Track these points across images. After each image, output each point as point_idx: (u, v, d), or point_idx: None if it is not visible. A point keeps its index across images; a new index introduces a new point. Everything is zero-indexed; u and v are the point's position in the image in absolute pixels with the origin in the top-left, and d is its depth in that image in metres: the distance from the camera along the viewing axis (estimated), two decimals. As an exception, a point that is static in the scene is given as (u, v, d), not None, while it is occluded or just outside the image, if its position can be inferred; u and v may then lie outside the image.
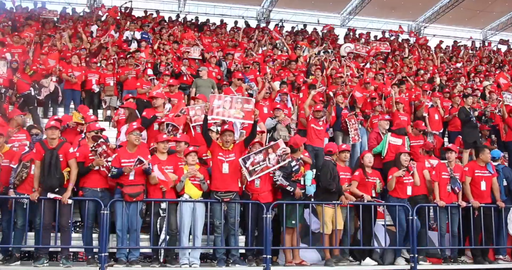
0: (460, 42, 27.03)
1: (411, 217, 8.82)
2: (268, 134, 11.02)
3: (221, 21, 25.18)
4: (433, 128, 13.43)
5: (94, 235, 8.24)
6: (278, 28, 23.73)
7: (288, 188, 8.30)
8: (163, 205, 8.13)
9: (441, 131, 13.99)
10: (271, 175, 8.37)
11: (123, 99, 12.44)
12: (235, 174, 8.28)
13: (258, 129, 9.02)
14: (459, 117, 13.03)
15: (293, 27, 25.95)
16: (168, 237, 8.06)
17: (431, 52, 23.44)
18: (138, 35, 18.15)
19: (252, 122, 8.30)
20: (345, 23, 30.71)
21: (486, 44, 28.34)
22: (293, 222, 8.40)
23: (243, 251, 8.66)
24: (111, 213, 7.98)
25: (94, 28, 18.81)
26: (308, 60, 17.54)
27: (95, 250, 7.97)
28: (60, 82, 13.94)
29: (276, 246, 8.51)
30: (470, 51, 24.99)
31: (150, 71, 14.18)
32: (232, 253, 8.27)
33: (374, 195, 9.04)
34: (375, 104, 13.25)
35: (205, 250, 8.75)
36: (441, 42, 25.83)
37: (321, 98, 12.92)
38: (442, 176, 9.44)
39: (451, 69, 19.96)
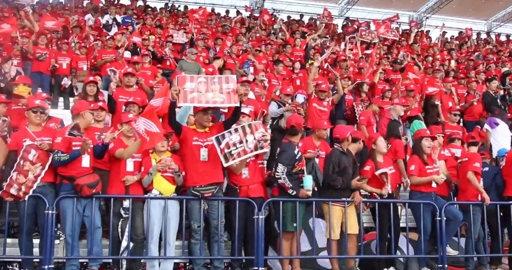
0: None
1: (438, 218, 7.06)
2: (272, 122, 9.56)
3: (212, 9, 24.18)
4: (447, 117, 11.78)
5: (35, 241, 6.56)
6: (273, 18, 22.82)
7: (290, 191, 6.57)
8: (126, 204, 6.43)
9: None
10: (276, 171, 6.61)
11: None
12: (217, 161, 6.52)
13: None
14: (485, 101, 11.63)
15: (289, 17, 24.70)
16: (132, 244, 6.36)
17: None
18: (119, 19, 16.84)
19: (237, 105, 6.58)
20: (343, 14, 29.16)
21: (493, 36, 26.88)
22: (294, 224, 6.63)
23: (228, 261, 7.10)
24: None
25: (87, 16, 17.17)
26: (306, 44, 15.94)
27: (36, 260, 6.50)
28: (26, 66, 12.17)
29: (270, 256, 7.03)
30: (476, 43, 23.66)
31: (127, 54, 12.44)
32: (215, 265, 6.53)
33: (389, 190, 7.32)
34: (384, 90, 12.09)
35: (180, 260, 7.08)
36: (444, 33, 24.36)
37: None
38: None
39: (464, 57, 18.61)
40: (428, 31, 25.15)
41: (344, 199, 6.82)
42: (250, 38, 17.68)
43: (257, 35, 18.36)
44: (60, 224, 6.46)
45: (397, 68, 14.23)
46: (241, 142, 6.44)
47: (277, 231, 6.76)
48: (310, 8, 28.06)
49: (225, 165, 6.43)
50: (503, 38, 26.60)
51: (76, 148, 6.13)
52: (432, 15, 30.04)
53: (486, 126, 9.96)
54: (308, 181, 6.64)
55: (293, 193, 6.53)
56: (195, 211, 6.45)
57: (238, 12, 23.96)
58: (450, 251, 7.24)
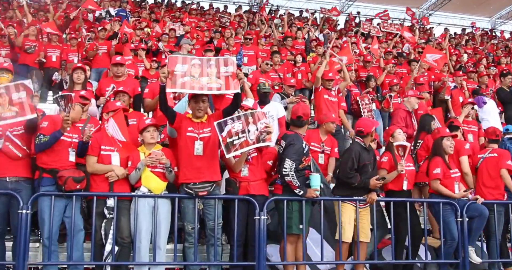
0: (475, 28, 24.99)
1: (460, 219, 6.35)
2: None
3: (210, 5, 23.84)
4: (457, 113, 11.11)
5: (7, 244, 5.87)
6: (272, 14, 22.27)
7: (297, 191, 5.80)
8: (110, 202, 5.68)
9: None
10: (284, 167, 5.78)
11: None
12: (214, 157, 5.79)
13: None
14: (500, 96, 11.01)
15: (289, 12, 23.73)
16: (117, 248, 5.61)
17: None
18: (113, 11, 16.23)
19: (238, 91, 5.77)
20: (345, 10, 28.41)
21: (498, 33, 26.23)
22: (300, 226, 5.88)
23: (227, 266, 6.26)
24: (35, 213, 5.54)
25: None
26: (307, 36, 15.30)
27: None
28: (14, 59, 11.43)
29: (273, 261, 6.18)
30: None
31: (115, 42, 11.75)
32: (211, 271, 5.75)
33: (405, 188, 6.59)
34: (393, 83, 11.47)
35: (172, 266, 6.21)
36: (446, 30, 23.71)
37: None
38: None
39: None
40: (431, 28, 24.58)
41: (355, 198, 6.09)
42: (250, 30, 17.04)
43: (257, 28, 17.70)
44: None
45: (402, 61, 13.57)
46: (243, 131, 5.69)
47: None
48: (311, 5, 27.19)
49: (227, 156, 5.68)
50: (507, 35, 25.95)
51: None
52: (435, 12, 29.33)
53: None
54: (316, 180, 5.92)
55: (300, 193, 5.78)
56: (188, 211, 5.71)
57: (239, 7, 23.23)
58: (474, 258, 6.47)
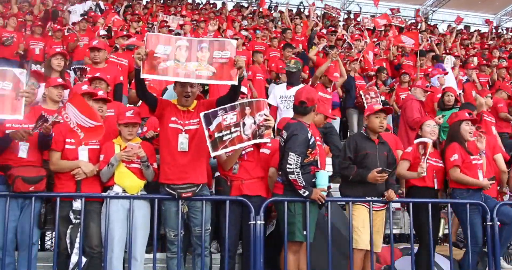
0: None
1: (490, 223, 5.42)
2: None
3: (207, 1, 22.50)
4: (472, 107, 10.29)
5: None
6: (272, 10, 21.49)
7: (301, 191, 4.81)
8: (77, 205, 4.73)
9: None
10: (288, 163, 4.77)
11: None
12: (201, 153, 4.82)
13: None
14: None
15: (289, 10, 22.96)
16: (85, 259, 4.68)
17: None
18: (103, 5, 15.44)
19: (235, 83, 4.68)
20: (346, 7, 27.54)
21: (504, 30, 25.43)
22: (304, 232, 4.91)
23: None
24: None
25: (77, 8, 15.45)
26: (309, 30, 14.45)
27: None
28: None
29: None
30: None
31: (103, 32, 10.83)
32: (198, 287, 4.81)
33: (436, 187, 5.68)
34: (401, 72, 10.75)
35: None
36: (450, 27, 22.93)
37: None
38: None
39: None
40: (435, 25, 23.80)
41: (369, 198, 5.16)
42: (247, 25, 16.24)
43: (254, 23, 16.88)
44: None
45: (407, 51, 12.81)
46: (237, 125, 4.74)
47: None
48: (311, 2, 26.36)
49: (212, 154, 4.74)
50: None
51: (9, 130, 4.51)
52: (439, 9, 28.48)
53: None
54: (324, 178, 4.97)
55: (305, 194, 4.81)
56: (170, 215, 4.76)
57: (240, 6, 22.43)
58: (506, 267, 5.55)
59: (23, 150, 4.64)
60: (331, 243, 4.99)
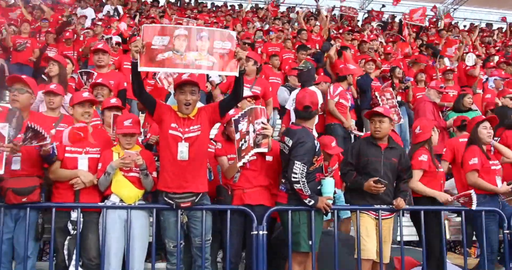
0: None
1: (506, 231, 5.16)
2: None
3: (224, 3, 22.82)
4: (490, 106, 9.96)
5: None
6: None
7: (307, 200, 4.63)
8: (74, 215, 4.58)
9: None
10: (293, 172, 4.57)
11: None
12: (202, 162, 4.66)
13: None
14: None
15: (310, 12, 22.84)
16: (82, 271, 4.53)
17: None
18: (121, 9, 15.48)
19: (236, 74, 4.56)
20: (365, 6, 27.20)
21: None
22: (310, 243, 4.71)
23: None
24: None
25: (89, 11, 15.51)
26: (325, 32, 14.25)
27: None
28: (7, 57, 10.70)
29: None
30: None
31: (116, 38, 10.76)
32: (199, 299, 4.64)
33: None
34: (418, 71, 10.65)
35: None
36: (472, 25, 22.52)
37: None
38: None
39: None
40: (456, 23, 23.32)
41: (377, 206, 4.94)
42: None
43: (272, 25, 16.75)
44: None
45: (429, 52, 12.45)
46: (247, 132, 4.69)
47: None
48: (331, 2, 26.05)
49: (239, 164, 4.69)
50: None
51: None
52: (460, 7, 27.93)
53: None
54: (330, 185, 4.79)
55: (311, 203, 4.62)
56: (169, 225, 4.61)
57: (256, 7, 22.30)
58: None
59: (15, 162, 4.49)
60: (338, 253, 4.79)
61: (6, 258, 4.50)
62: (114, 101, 5.43)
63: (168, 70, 4.58)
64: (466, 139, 5.89)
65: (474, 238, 6.23)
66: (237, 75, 4.52)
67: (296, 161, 4.55)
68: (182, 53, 4.37)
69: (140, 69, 4.32)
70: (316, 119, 5.03)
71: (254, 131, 4.63)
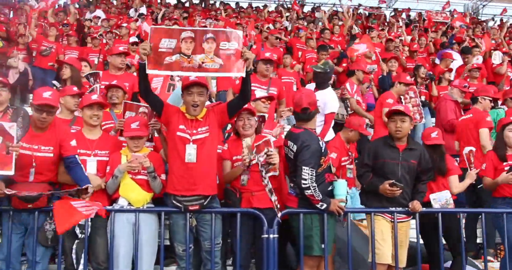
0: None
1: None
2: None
3: (250, 4, 22.62)
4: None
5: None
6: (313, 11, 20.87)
7: (319, 205, 4.49)
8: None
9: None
10: (303, 178, 4.44)
11: None
12: (210, 164, 4.57)
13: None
14: None
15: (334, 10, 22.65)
16: (91, 275, 4.48)
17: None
18: (144, 10, 15.49)
19: (243, 74, 4.48)
20: (391, 5, 26.77)
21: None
22: (322, 246, 4.57)
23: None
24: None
25: (99, 13, 15.69)
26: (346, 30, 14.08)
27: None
28: (30, 61, 10.85)
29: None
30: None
31: (133, 39, 10.80)
32: (209, 304, 4.55)
33: None
34: (443, 71, 10.17)
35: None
36: (502, 22, 21.91)
37: None
38: None
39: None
40: (486, 21, 22.83)
41: (393, 209, 4.78)
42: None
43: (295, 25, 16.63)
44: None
45: (457, 49, 12.18)
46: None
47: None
48: (356, 1, 25.79)
49: (265, 182, 4.66)
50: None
51: None
52: (489, 3, 27.29)
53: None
54: (342, 187, 4.64)
55: (323, 207, 4.47)
56: (178, 228, 4.54)
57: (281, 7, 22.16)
58: None
59: (32, 174, 4.41)
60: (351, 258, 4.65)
61: (16, 261, 4.48)
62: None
63: (176, 74, 4.52)
64: None
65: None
66: (244, 75, 4.43)
67: (303, 167, 4.42)
68: (189, 56, 4.33)
69: (148, 71, 4.31)
70: (317, 119, 4.90)
71: (259, 160, 4.61)
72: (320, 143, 4.57)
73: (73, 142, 4.56)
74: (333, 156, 5.74)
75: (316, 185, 4.41)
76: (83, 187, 4.30)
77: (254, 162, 4.60)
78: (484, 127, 6.51)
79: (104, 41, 11.82)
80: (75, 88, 5.52)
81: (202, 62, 4.35)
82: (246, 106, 4.80)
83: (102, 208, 4.36)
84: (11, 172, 4.10)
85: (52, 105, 4.41)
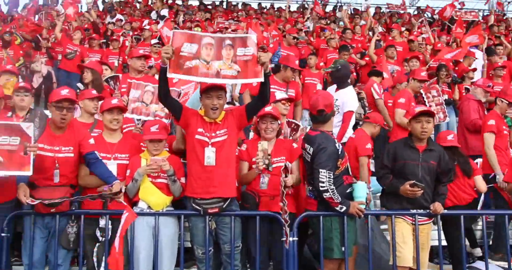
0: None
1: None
2: None
3: (271, 5, 22.37)
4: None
5: None
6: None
7: (338, 208, 4.45)
8: (103, 222, 4.60)
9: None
10: (320, 181, 4.40)
11: None
12: (229, 166, 4.56)
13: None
14: None
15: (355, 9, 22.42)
16: (112, 278, 4.49)
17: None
18: (165, 12, 15.56)
19: (261, 79, 4.41)
20: (414, 3, 26.46)
21: None
22: (343, 248, 4.53)
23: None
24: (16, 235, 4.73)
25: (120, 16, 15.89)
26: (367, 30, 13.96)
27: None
28: (54, 65, 11.01)
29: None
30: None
31: (155, 41, 10.85)
32: (229, 307, 4.55)
33: None
34: (467, 69, 9.95)
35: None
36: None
37: None
38: None
39: None
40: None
41: (414, 211, 4.72)
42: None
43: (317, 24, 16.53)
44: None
45: (481, 48, 11.95)
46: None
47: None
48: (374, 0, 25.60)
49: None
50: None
51: None
52: (515, -1, 26.80)
53: None
54: (362, 190, 4.61)
55: (343, 210, 4.44)
56: (198, 232, 4.56)
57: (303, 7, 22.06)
58: None
59: (56, 175, 4.49)
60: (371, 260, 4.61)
61: (40, 264, 4.54)
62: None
63: (194, 79, 4.50)
64: None
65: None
66: (263, 80, 4.40)
67: (320, 170, 4.38)
68: (209, 63, 4.32)
69: (168, 75, 4.31)
70: (335, 119, 4.87)
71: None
72: (337, 145, 4.53)
73: (91, 140, 4.63)
74: (369, 146, 5.86)
75: (334, 187, 4.38)
76: (114, 191, 4.31)
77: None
78: (485, 131, 6.39)
79: (127, 43, 11.89)
80: (94, 92, 5.58)
81: (220, 69, 4.33)
82: (271, 110, 4.81)
83: (132, 212, 4.37)
84: (29, 172, 4.16)
85: (71, 99, 4.48)
